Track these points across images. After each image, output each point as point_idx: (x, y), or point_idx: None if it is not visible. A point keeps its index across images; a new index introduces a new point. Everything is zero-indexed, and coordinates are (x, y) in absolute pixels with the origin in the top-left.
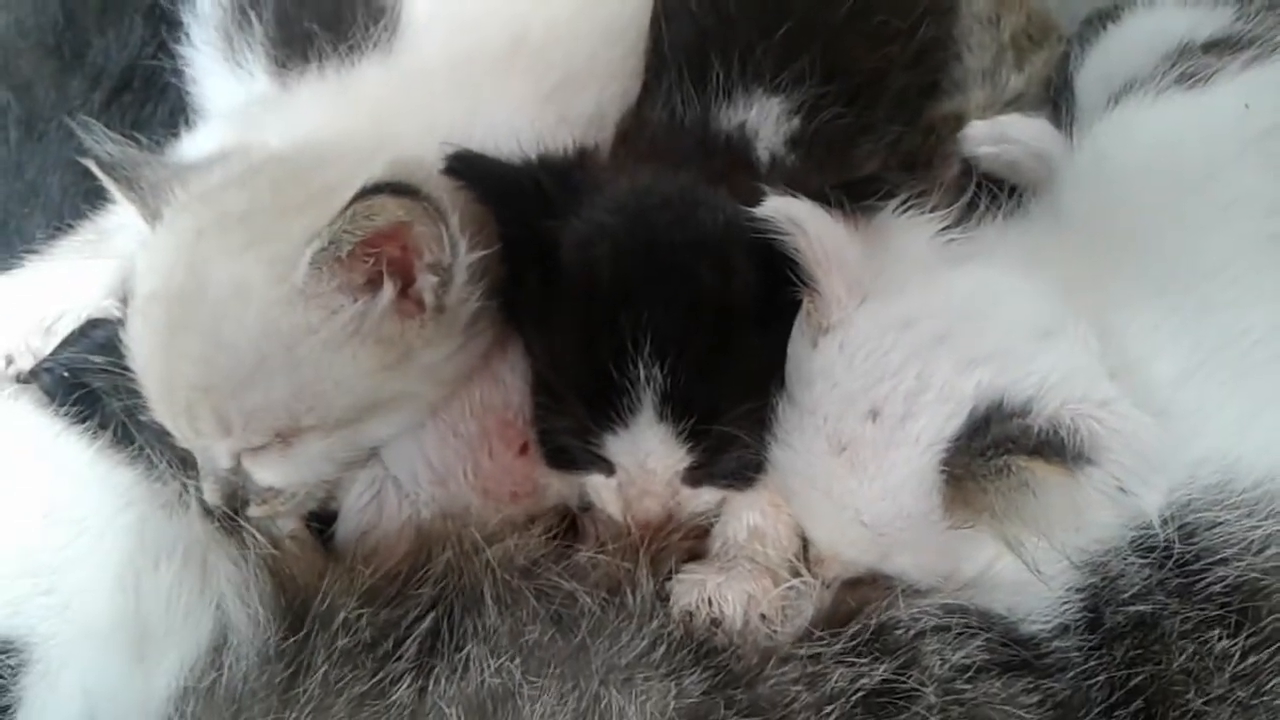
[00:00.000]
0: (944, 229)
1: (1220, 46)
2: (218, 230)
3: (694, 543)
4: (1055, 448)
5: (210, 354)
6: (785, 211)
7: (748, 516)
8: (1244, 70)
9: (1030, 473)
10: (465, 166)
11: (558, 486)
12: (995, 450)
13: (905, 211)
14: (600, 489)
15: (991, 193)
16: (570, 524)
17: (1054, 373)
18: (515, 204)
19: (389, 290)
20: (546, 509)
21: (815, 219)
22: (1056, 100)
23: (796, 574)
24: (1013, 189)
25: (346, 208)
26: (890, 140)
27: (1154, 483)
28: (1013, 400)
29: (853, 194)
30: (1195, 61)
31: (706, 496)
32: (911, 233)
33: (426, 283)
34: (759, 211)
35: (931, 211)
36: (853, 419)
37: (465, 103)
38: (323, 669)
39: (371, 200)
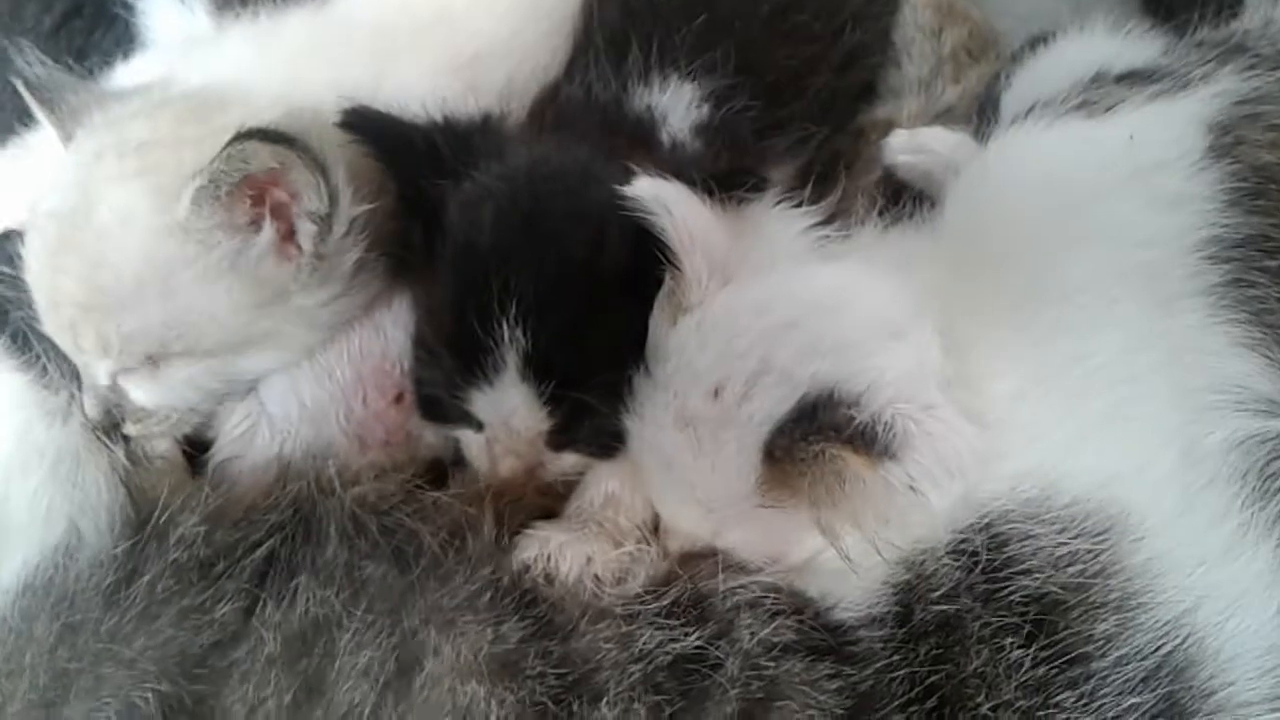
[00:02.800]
0: (817, 224)
1: (1133, 78)
2: (114, 156)
3: (550, 501)
4: (867, 440)
5: (91, 274)
6: (652, 192)
7: (607, 483)
8: (1147, 103)
9: (842, 461)
10: (359, 121)
11: (431, 438)
12: (814, 436)
13: (780, 204)
14: (470, 444)
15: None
16: (441, 478)
17: (890, 372)
18: (406, 161)
19: (268, 232)
20: (418, 459)
21: (682, 202)
22: (981, 115)
23: (642, 543)
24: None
25: (223, 149)
26: (816, 140)
27: (945, 487)
28: (844, 392)
29: (722, 184)
30: (1103, 90)
31: (570, 460)
32: (785, 225)
33: (305, 229)
34: (626, 190)
35: (806, 206)
36: (698, 396)
37: (378, 62)
38: (148, 578)
39: (244, 144)
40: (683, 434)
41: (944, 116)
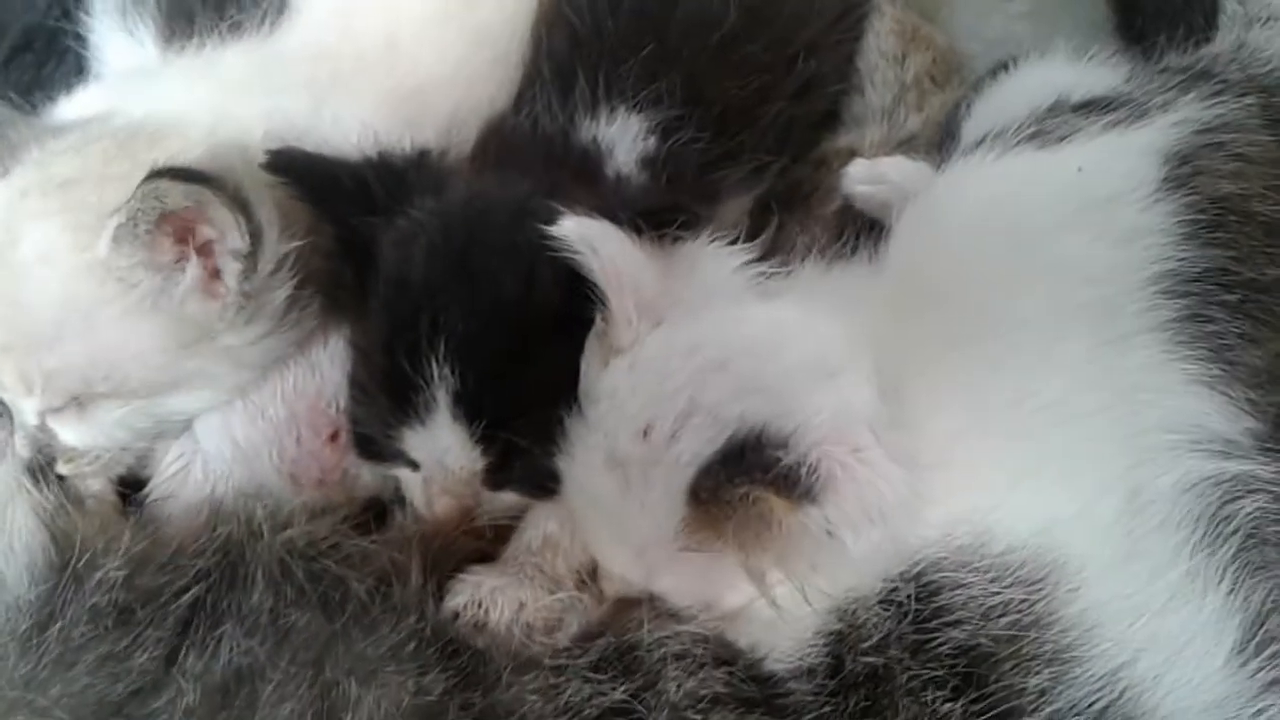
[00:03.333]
0: (753, 262)
1: (1090, 106)
2: (39, 193)
3: (481, 544)
4: (790, 483)
5: (12, 314)
6: (578, 232)
7: (545, 526)
8: (1102, 133)
9: (767, 505)
10: (283, 163)
11: (368, 477)
12: (739, 477)
13: (715, 241)
14: (409, 484)
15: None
16: (381, 517)
17: (821, 413)
18: (334, 200)
19: (193, 270)
20: (355, 499)
21: (609, 241)
22: (942, 145)
23: (581, 586)
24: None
25: (137, 188)
26: (774, 170)
27: (864, 533)
28: (772, 433)
29: (651, 221)
30: (1058, 119)
31: (508, 500)
32: (720, 263)
33: (229, 268)
34: (552, 230)
35: (743, 243)
36: (627, 437)
37: (315, 94)
38: (61, 624)
39: (156, 183)
40: (612, 475)
41: (907, 145)
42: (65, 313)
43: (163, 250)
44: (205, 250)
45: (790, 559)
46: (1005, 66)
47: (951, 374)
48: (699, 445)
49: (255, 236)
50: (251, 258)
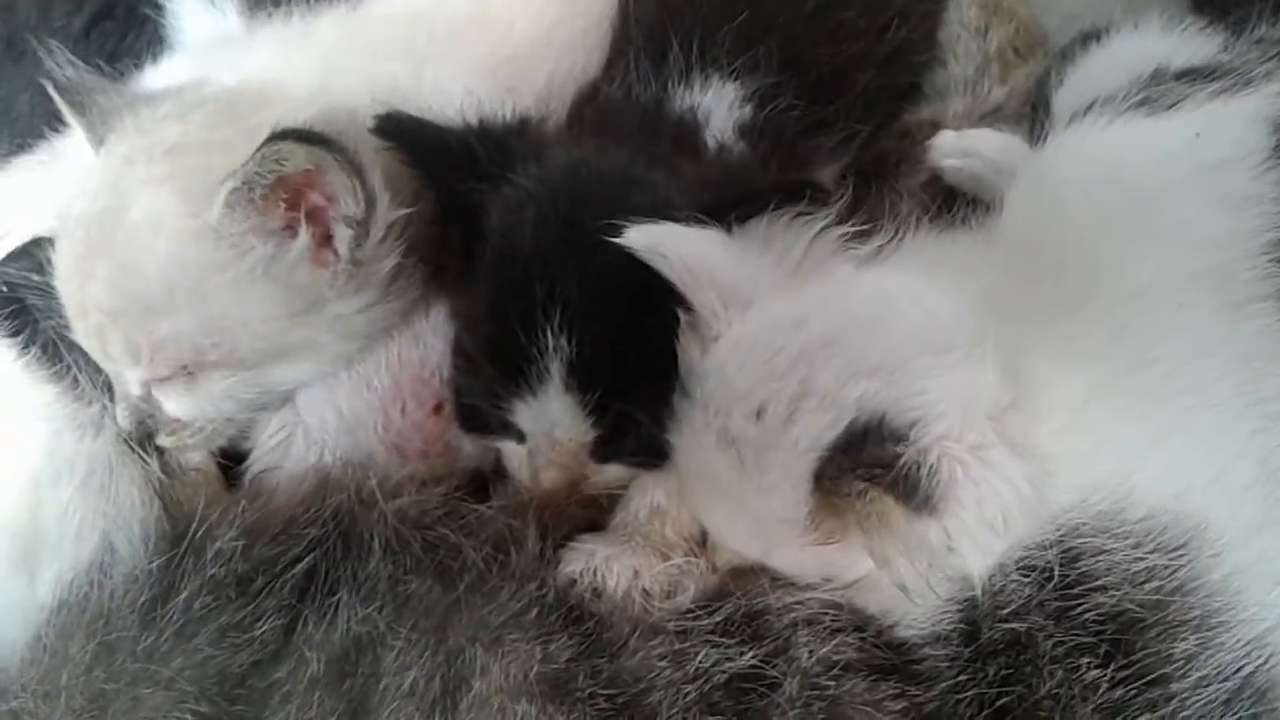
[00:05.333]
0: (853, 232)
1: (1193, 75)
2: (145, 159)
3: (593, 513)
4: (910, 488)
5: (120, 279)
6: (643, 241)
7: (652, 495)
8: (1209, 101)
9: (883, 504)
10: (392, 127)
11: (470, 449)
12: (859, 473)
13: (807, 215)
14: (511, 455)
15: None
16: (482, 489)
17: (941, 400)
18: (442, 166)
19: (304, 237)
20: (457, 470)
21: (674, 242)
22: (1033, 116)
23: (690, 555)
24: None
25: (257, 150)
26: (859, 140)
27: (987, 547)
28: (893, 421)
29: (785, 196)
30: (1164, 88)
31: (614, 472)
32: (817, 235)
33: (341, 234)
34: (621, 243)
35: (839, 212)
36: (740, 416)
37: (414, 61)
38: (185, 595)
39: (279, 145)
40: (725, 454)
41: (991, 116)
42: (176, 279)
43: (275, 216)
44: (314, 217)
45: (915, 552)
46: (1093, 37)
47: (1072, 341)
48: (817, 430)
49: (369, 203)
50: (364, 225)
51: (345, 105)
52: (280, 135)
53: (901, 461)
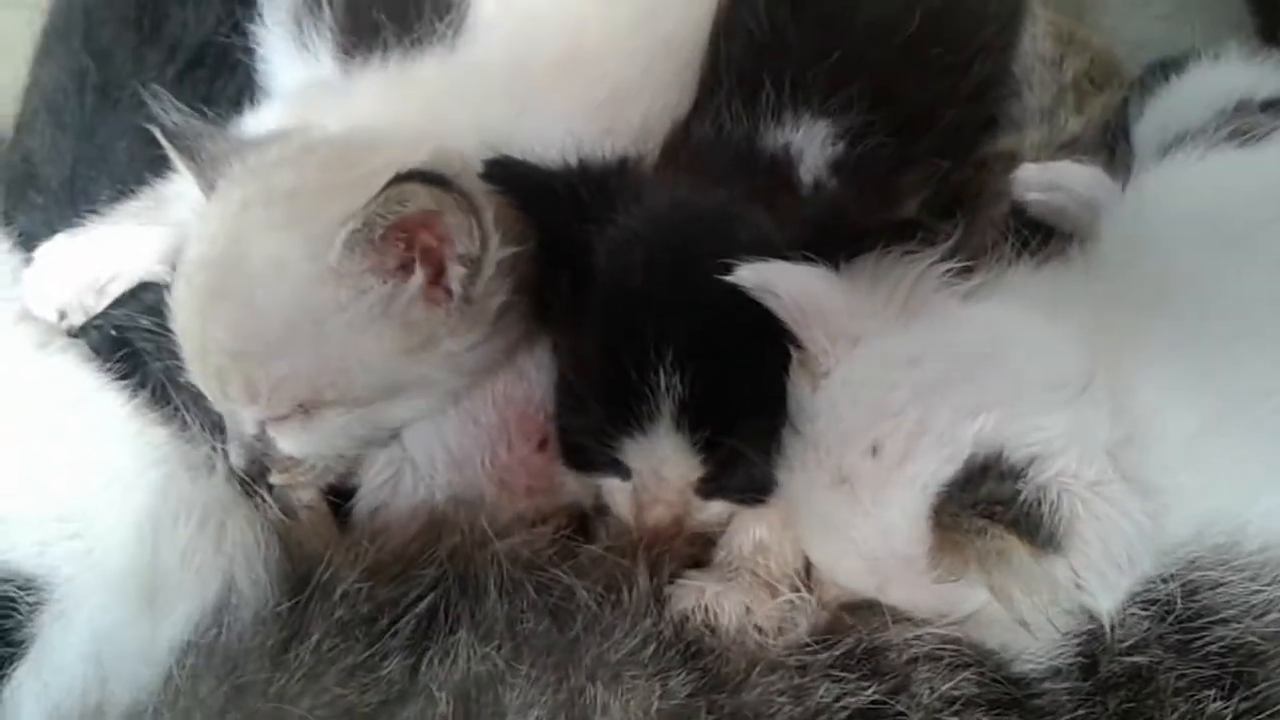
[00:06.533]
0: (959, 267)
1: (1277, 106)
2: (263, 204)
3: (697, 549)
4: (1032, 526)
5: (243, 321)
6: (754, 280)
7: (755, 530)
8: None
9: (1010, 543)
10: (500, 171)
11: (573, 485)
12: (980, 510)
13: (910, 252)
14: (614, 492)
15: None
16: (582, 525)
17: (1058, 437)
18: (549, 209)
19: (419, 276)
20: (560, 507)
21: (784, 280)
22: (1112, 147)
23: (796, 590)
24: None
25: (380, 192)
26: (941, 173)
27: (1115, 585)
28: (1011, 457)
29: (892, 237)
30: (1251, 119)
31: (717, 508)
32: (919, 270)
33: (455, 273)
34: (730, 280)
35: (945, 250)
36: (854, 454)
37: (515, 104)
38: (316, 637)
39: (404, 186)
40: (839, 492)
41: (1069, 147)
42: (297, 321)
43: (391, 256)
44: (428, 256)
45: (1038, 589)
46: (1170, 67)
47: (1183, 375)
48: (934, 466)
49: (483, 242)
50: (477, 263)
51: (454, 148)
52: (405, 176)
53: (1022, 498)
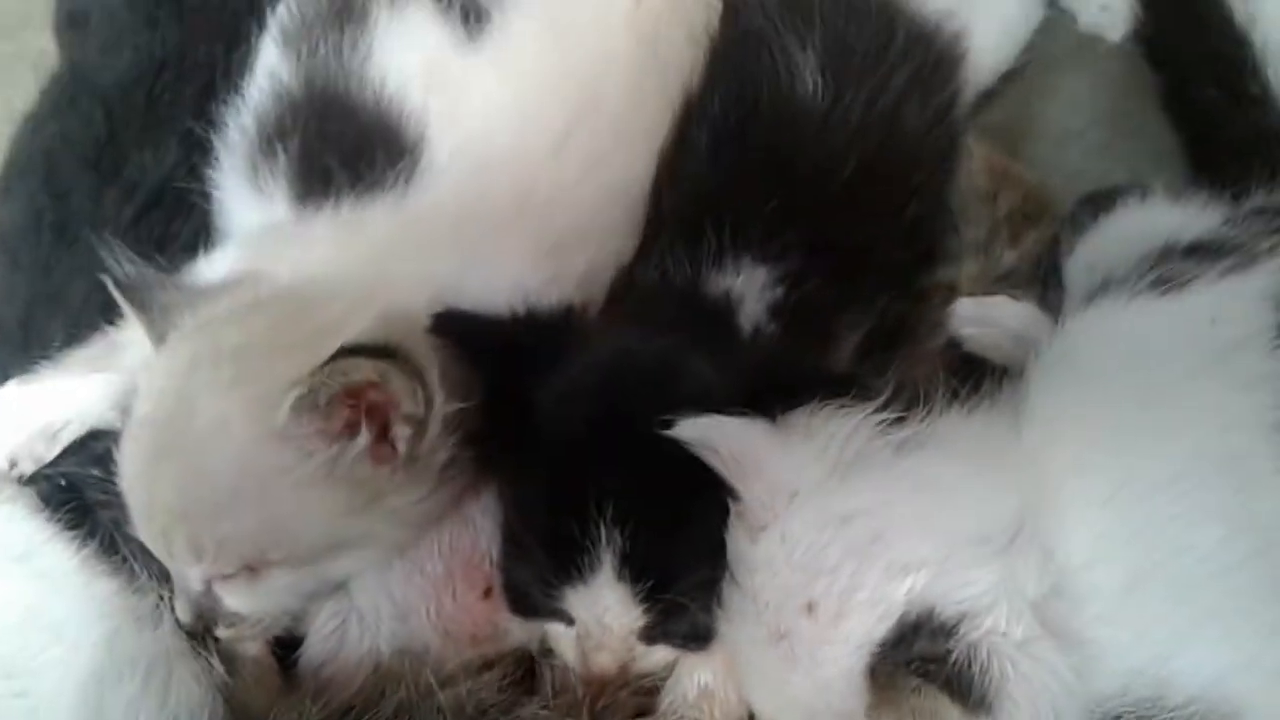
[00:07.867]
0: (893, 419)
1: (1201, 252)
2: (210, 363)
3: (642, 699)
4: (964, 687)
5: (189, 482)
6: (691, 436)
7: (699, 676)
8: (1220, 279)
9: (938, 701)
10: (449, 325)
11: (519, 631)
12: (914, 668)
13: (845, 405)
14: (560, 638)
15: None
16: (529, 669)
17: (987, 592)
18: (496, 362)
19: (364, 437)
20: (506, 651)
21: (723, 435)
22: (1045, 283)
23: None
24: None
25: (325, 364)
26: (879, 306)
27: None
28: (942, 614)
29: (829, 391)
30: (1174, 266)
31: (661, 654)
32: (858, 422)
33: (401, 432)
34: (672, 435)
35: (879, 403)
36: (790, 611)
37: (463, 253)
38: None
39: (348, 360)
40: (778, 648)
41: (1005, 280)
42: (242, 482)
43: (337, 418)
44: (374, 414)
45: None
46: (1094, 202)
47: (1110, 530)
48: (869, 625)
49: (428, 402)
50: (422, 423)
51: (401, 302)
52: (348, 351)
53: (954, 658)
